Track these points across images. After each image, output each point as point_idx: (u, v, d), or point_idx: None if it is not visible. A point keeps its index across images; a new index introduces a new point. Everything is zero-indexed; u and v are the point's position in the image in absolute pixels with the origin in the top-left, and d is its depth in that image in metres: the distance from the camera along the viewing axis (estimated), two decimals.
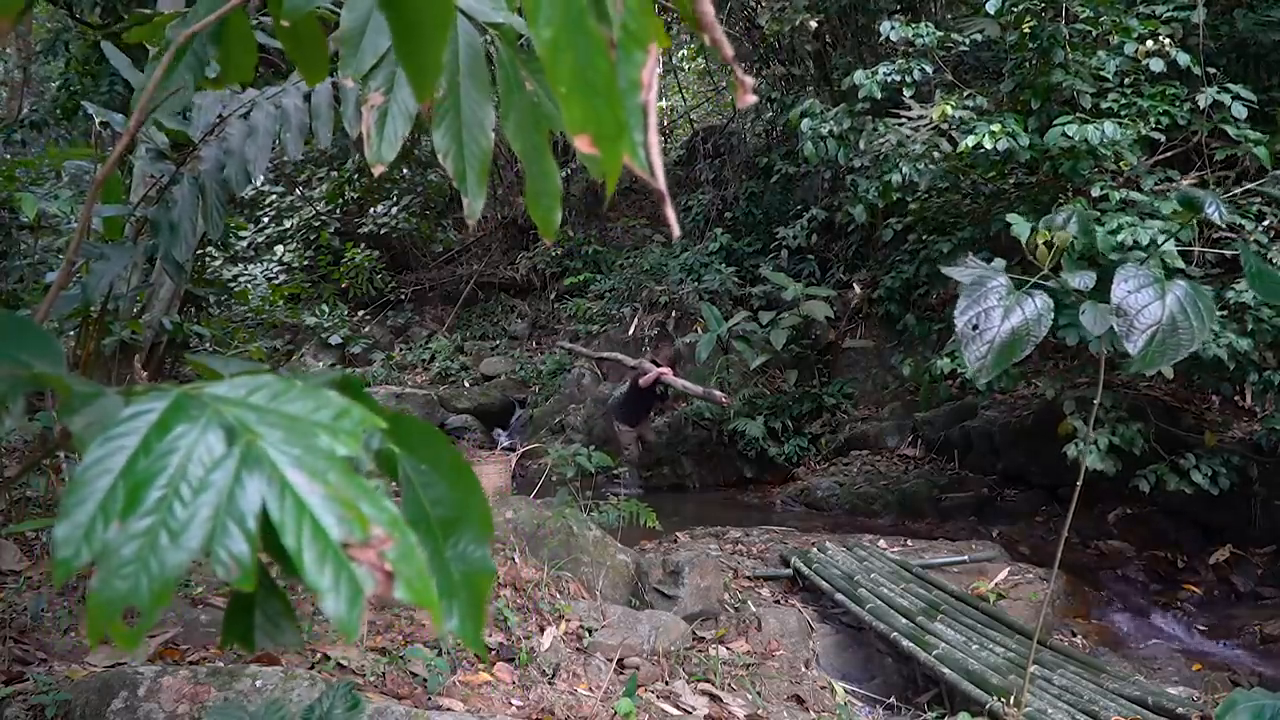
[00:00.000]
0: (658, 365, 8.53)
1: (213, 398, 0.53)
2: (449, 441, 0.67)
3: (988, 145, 6.03)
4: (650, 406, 8.84)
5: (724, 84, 14.17)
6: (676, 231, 0.53)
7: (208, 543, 0.47)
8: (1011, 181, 7.03)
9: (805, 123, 7.24)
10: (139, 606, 0.46)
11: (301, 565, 0.47)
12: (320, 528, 0.48)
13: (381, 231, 13.18)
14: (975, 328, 1.60)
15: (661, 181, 0.49)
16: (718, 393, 8.19)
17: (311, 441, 0.51)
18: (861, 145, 7.05)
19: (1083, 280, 1.74)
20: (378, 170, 0.87)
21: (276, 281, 12.27)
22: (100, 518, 0.47)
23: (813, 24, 9.12)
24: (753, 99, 0.50)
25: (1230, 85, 5.92)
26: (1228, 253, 5.08)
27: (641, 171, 0.49)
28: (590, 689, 3.29)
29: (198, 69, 1.11)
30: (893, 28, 6.88)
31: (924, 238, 8.19)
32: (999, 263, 1.77)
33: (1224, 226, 5.59)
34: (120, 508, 0.47)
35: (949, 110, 6.45)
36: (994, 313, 1.61)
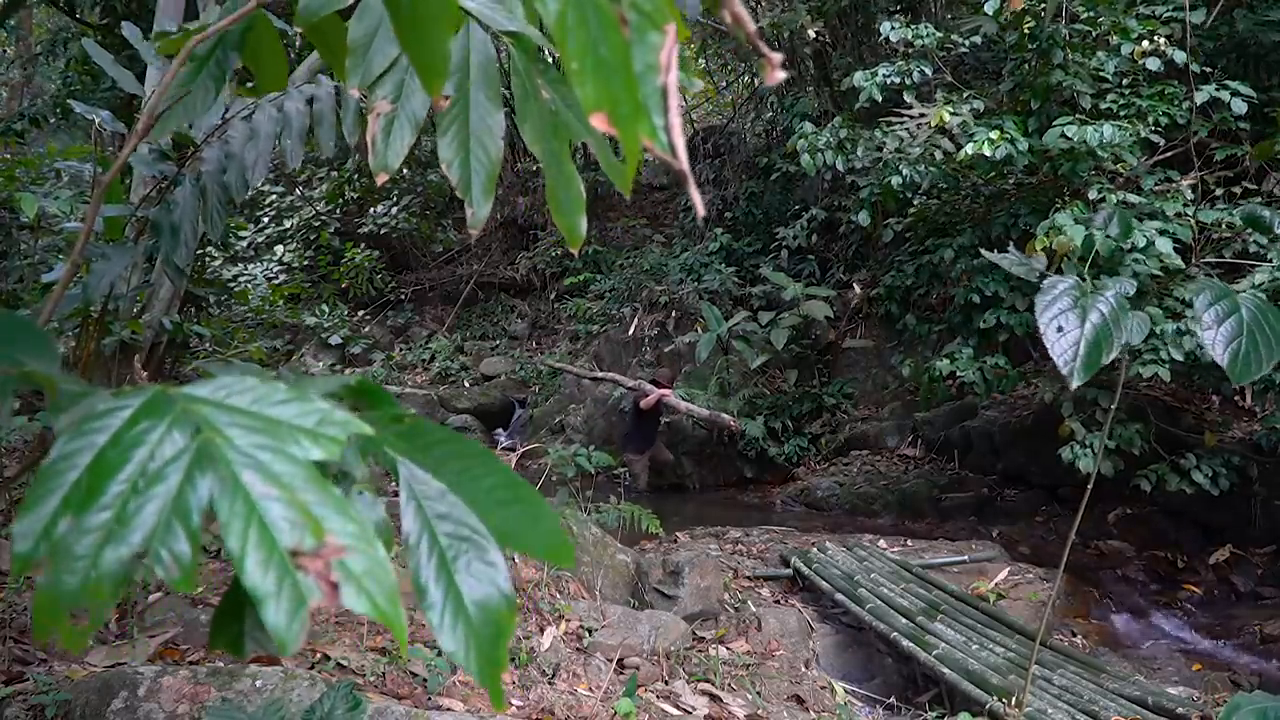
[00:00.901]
0: (658, 385, 8.07)
1: (186, 397, 0.51)
2: (486, 452, 0.60)
3: (987, 153, 6.04)
4: (657, 429, 8.33)
5: (724, 84, 14.17)
6: (701, 211, 0.51)
7: (149, 540, 0.45)
8: (1011, 182, 7.03)
9: (800, 144, 7.26)
10: (86, 605, 0.44)
11: (243, 569, 0.44)
12: (268, 532, 0.45)
13: (381, 231, 13.18)
14: (1060, 330, 1.57)
15: (685, 163, 0.47)
16: (725, 416, 7.91)
17: (283, 446, 0.49)
18: (859, 153, 7.06)
19: (1122, 286, 1.73)
20: (382, 179, 0.86)
21: (276, 281, 12.26)
22: (62, 512, 0.46)
23: (811, 33, 9.11)
24: (782, 75, 0.49)
25: (1229, 83, 5.92)
26: (1227, 255, 5.08)
27: (662, 153, 0.48)
28: (590, 689, 3.29)
29: (219, 76, 1.10)
30: (893, 28, 6.88)
31: (924, 239, 8.20)
32: (1039, 260, 1.76)
33: (1223, 227, 5.59)
34: (79, 502, 0.46)
35: (947, 116, 6.46)
36: (1071, 314, 1.59)
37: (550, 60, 0.85)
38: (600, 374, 9.57)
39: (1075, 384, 1.55)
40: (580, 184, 0.82)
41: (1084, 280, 1.67)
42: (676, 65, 0.47)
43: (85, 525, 0.45)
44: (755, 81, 12.18)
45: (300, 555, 0.45)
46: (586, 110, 0.47)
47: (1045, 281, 1.63)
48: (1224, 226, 5.64)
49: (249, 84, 1.17)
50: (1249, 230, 5.47)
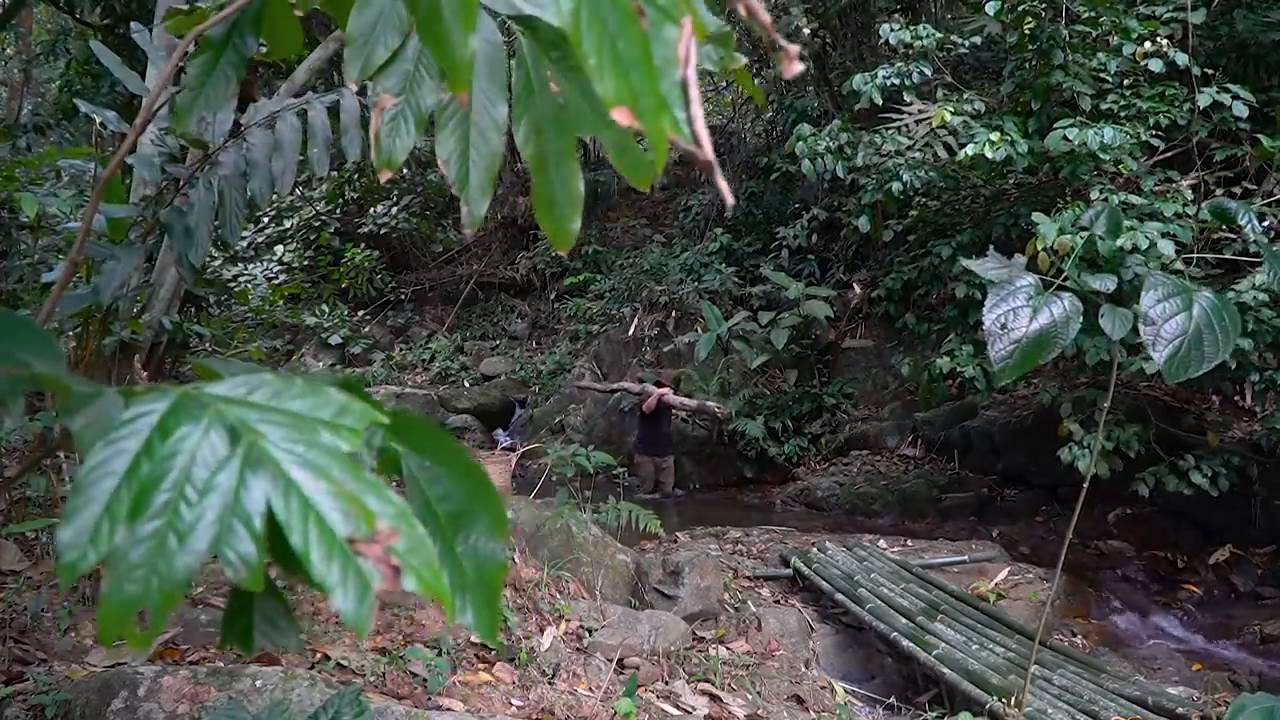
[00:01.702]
0: (660, 385, 8.24)
1: (214, 398, 0.52)
2: (453, 439, 0.66)
3: (987, 154, 6.04)
4: (668, 430, 8.37)
5: (725, 84, 14.16)
6: (730, 200, 0.51)
7: (215, 545, 0.47)
8: (1012, 183, 7.03)
9: (800, 146, 7.25)
10: (149, 609, 0.47)
11: (309, 563, 0.46)
12: (326, 525, 0.47)
13: (381, 231, 13.18)
14: (1004, 326, 1.58)
15: (709, 152, 0.47)
16: (712, 404, 7.99)
17: (314, 438, 0.50)
18: (859, 158, 7.07)
19: (1103, 283, 1.73)
20: (385, 176, 0.84)
21: (276, 281, 12.26)
22: (106, 521, 0.47)
23: (806, 31, 9.12)
24: (799, 68, 0.49)
25: (1230, 85, 5.92)
26: (1227, 254, 5.08)
27: (687, 145, 0.48)
28: (590, 689, 3.29)
29: (238, 63, 1.06)
30: (892, 29, 6.88)
31: (924, 240, 8.20)
32: (1019, 259, 1.76)
33: (1224, 228, 5.59)
34: (127, 511, 0.47)
35: (948, 115, 6.46)
36: (1022, 312, 1.59)
37: (563, 48, 0.81)
38: (615, 385, 9.57)
39: (1003, 381, 1.58)
40: (580, 184, 0.80)
41: (1053, 280, 1.68)
42: (695, 58, 0.47)
43: (138, 534, 0.47)
44: (755, 82, 12.17)
45: (357, 542, 0.48)
46: (608, 105, 0.47)
47: (1003, 279, 1.64)
48: (1223, 227, 5.64)
49: (262, 48, 1.12)
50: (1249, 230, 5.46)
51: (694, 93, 0.47)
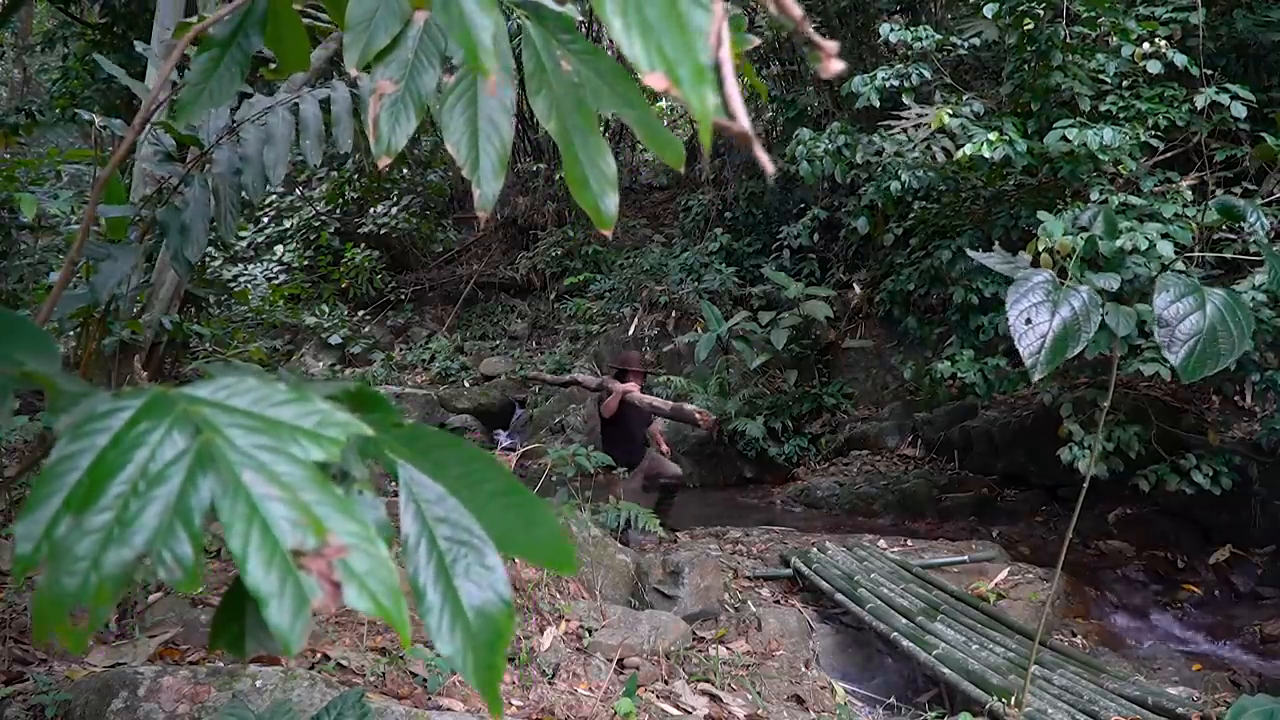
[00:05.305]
0: (623, 378, 6.36)
1: (186, 397, 0.51)
2: (486, 457, 0.60)
3: (986, 154, 6.04)
4: (640, 438, 6.43)
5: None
6: (770, 168, 0.47)
7: (152, 542, 0.45)
8: (1011, 184, 7.03)
9: (800, 150, 7.25)
10: (86, 605, 0.45)
11: (246, 570, 0.44)
12: (270, 532, 0.45)
13: (381, 231, 13.18)
14: (1028, 322, 1.58)
15: (746, 123, 0.45)
16: (689, 406, 6.06)
17: (283, 446, 0.49)
18: (859, 158, 7.06)
19: (1107, 282, 1.73)
20: (383, 163, 0.83)
21: (276, 281, 12.26)
22: (63, 513, 0.45)
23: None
24: (839, 66, 0.46)
25: (1229, 85, 5.92)
26: (1228, 254, 5.08)
27: (722, 121, 0.45)
28: (590, 689, 3.29)
29: (243, 62, 1.04)
30: (892, 30, 6.89)
31: (925, 242, 8.21)
32: (1024, 256, 1.76)
33: (1224, 228, 5.59)
34: (78, 503, 0.46)
35: (947, 118, 6.46)
36: (1043, 308, 1.59)
37: (573, 34, 0.80)
38: (564, 378, 8.55)
39: (1037, 376, 1.57)
40: (611, 159, 0.76)
41: (1065, 276, 1.67)
42: (729, 39, 0.45)
43: (86, 526, 0.45)
44: (752, 83, 12.15)
45: (302, 555, 0.45)
46: (642, 71, 0.45)
47: (1019, 274, 1.64)
48: (1224, 227, 5.64)
49: (272, 65, 1.13)
50: (1249, 230, 5.46)
51: (727, 69, 0.44)
